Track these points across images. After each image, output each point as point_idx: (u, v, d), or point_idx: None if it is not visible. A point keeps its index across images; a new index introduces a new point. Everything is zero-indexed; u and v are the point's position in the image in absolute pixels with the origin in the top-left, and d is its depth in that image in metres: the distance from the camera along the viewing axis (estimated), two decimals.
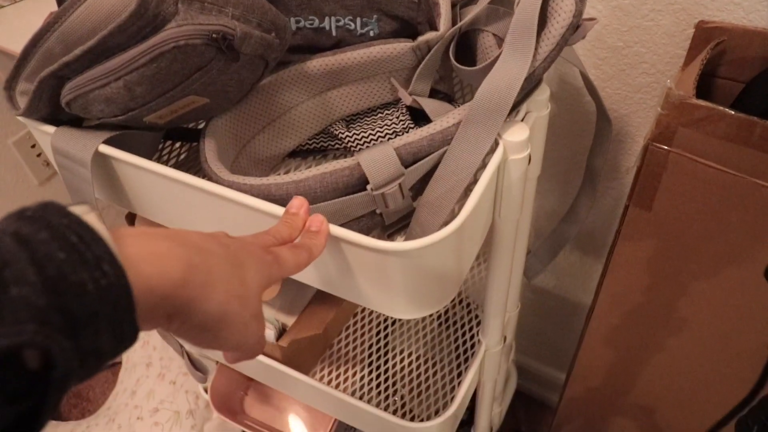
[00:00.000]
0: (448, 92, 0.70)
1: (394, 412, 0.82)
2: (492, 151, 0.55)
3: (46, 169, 1.36)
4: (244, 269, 0.40)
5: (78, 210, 0.30)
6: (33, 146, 1.31)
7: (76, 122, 0.63)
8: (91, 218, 0.30)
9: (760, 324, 0.74)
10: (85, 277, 0.27)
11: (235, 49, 0.54)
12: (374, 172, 0.53)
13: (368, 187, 0.53)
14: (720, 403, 0.71)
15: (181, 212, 0.62)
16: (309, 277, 0.59)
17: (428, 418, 0.78)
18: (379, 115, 0.71)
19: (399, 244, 0.48)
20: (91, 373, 0.29)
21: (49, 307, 0.26)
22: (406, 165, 0.54)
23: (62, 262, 0.27)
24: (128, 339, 0.30)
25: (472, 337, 0.93)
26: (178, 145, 0.79)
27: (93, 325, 0.28)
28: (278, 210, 0.52)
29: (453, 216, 0.50)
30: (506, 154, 0.56)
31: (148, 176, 0.60)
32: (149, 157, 0.60)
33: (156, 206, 0.65)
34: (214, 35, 0.52)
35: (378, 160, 0.53)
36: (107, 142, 0.60)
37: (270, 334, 0.78)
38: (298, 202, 0.50)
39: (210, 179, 0.57)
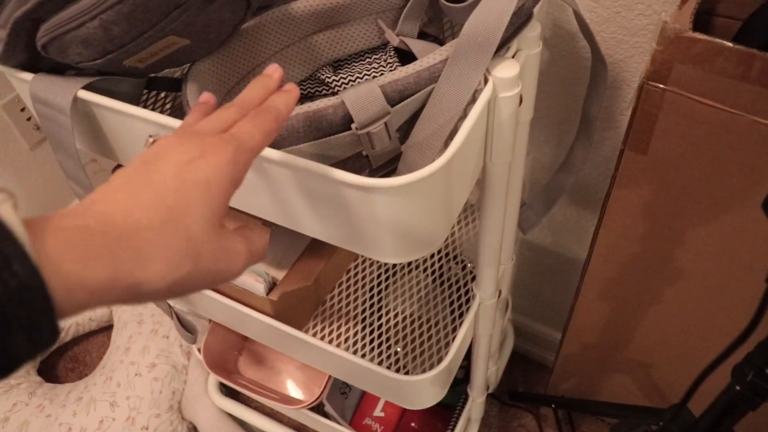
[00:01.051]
0: (438, 35, 0.68)
1: (388, 368, 0.81)
2: (481, 88, 0.53)
3: (37, 133, 1.34)
4: (186, 216, 0.35)
5: None
6: (23, 110, 1.29)
7: (57, 71, 0.61)
8: (4, 210, 0.27)
9: (758, 269, 0.73)
10: None
11: None
12: (358, 109, 0.51)
13: (353, 125, 0.52)
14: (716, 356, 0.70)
15: None
16: (293, 222, 0.58)
17: None
18: (367, 59, 0.69)
19: (385, 181, 0.47)
20: (4, 374, 0.27)
21: None
22: (392, 103, 0.52)
23: None
24: (46, 340, 0.28)
25: (467, 293, 0.92)
26: (162, 95, 0.77)
27: (3, 327, 0.26)
28: None
29: None
30: (496, 91, 0.54)
31: (128, 121, 0.58)
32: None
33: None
34: None
35: (362, 97, 0.51)
36: (87, 88, 0.59)
37: (260, 288, 0.77)
38: (273, 67, 0.47)
39: None
